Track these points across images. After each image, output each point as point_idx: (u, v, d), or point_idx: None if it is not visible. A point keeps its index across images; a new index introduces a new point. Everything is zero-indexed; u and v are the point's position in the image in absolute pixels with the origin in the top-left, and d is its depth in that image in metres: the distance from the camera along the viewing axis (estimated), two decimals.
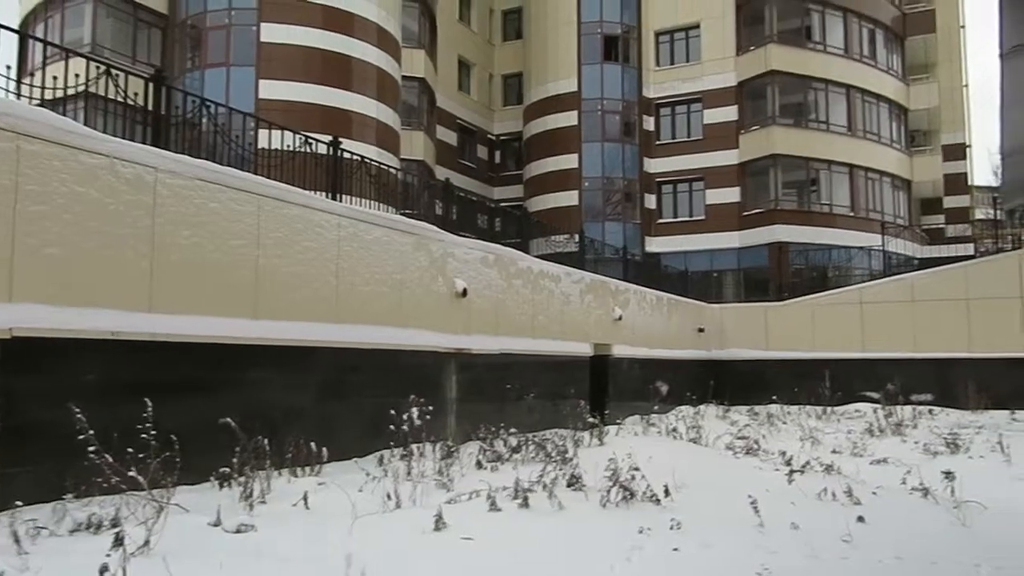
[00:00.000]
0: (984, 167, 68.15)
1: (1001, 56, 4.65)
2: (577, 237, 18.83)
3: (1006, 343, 19.83)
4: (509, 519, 6.73)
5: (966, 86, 37.61)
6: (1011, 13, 4.16)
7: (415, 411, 9.23)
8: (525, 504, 7.12)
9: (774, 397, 19.63)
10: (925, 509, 8.60)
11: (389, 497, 6.99)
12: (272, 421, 8.17)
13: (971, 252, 26.97)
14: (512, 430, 10.63)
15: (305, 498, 6.72)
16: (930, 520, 8.19)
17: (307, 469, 8.14)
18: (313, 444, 8.29)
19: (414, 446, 9.03)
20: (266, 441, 7.48)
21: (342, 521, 6.13)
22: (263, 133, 10.80)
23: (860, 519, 7.73)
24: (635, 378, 17.35)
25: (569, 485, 7.93)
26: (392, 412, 9.17)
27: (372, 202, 12.31)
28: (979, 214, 36.88)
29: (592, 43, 31.84)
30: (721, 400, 19.84)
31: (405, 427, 9.04)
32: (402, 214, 12.82)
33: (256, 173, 9.81)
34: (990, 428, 15.12)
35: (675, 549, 6.26)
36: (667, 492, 7.81)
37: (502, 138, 35.99)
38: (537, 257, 15.57)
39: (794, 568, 6.05)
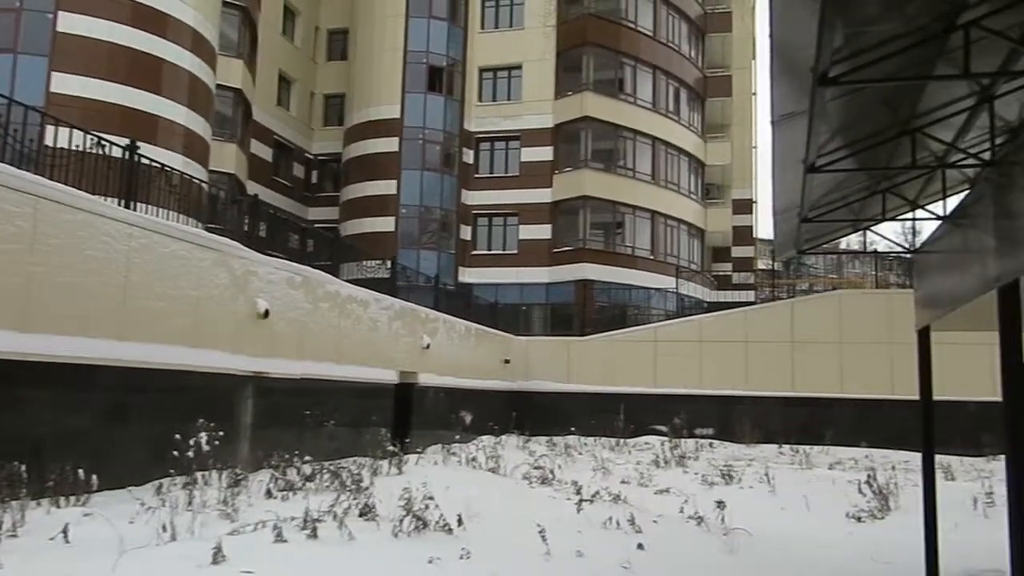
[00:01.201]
0: (767, 222, 74.97)
1: (772, 123, 5.15)
2: (390, 263, 18.72)
3: (778, 383, 21.79)
4: (295, 551, 6.49)
5: (755, 147, 41.48)
6: (780, 83, 4.62)
7: (204, 436, 8.75)
8: (314, 535, 6.90)
9: (572, 428, 20.35)
10: (699, 536, 9.22)
11: (164, 529, 6.54)
12: (37, 445, 7.43)
13: (752, 298, 29.52)
14: (309, 458, 10.31)
15: (65, 531, 6.12)
16: (703, 546, 8.79)
17: (72, 499, 7.44)
18: (82, 471, 7.60)
19: (200, 474, 8.53)
20: (23, 467, 6.78)
21: (106, 556, 5.65)
22: (53, 131, 9.90)
23: (640, 546, 8.16)
24: (440, 407, 17.41)
25: (362, 515, 7.77)
26: (178, 437, 8.62)
27: (173, 213, 11.61)
28: (761, 264, 40.51)
29: (417, 72, 32.04)
30: (523, 431, 20.33)
31: (190, 453, 8.53)
32: (207, 229, 12.19)
33: (39, 173, 8.98)
34: (760, 460, 16.47)
35: None
36: (460, 522, 7.85)
37: (320, 158, 35.24)
38: (348, 282, 15.31)
39: None
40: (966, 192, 6.54)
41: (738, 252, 39.59)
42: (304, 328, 12.52)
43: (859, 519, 10.92)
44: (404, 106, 31.87)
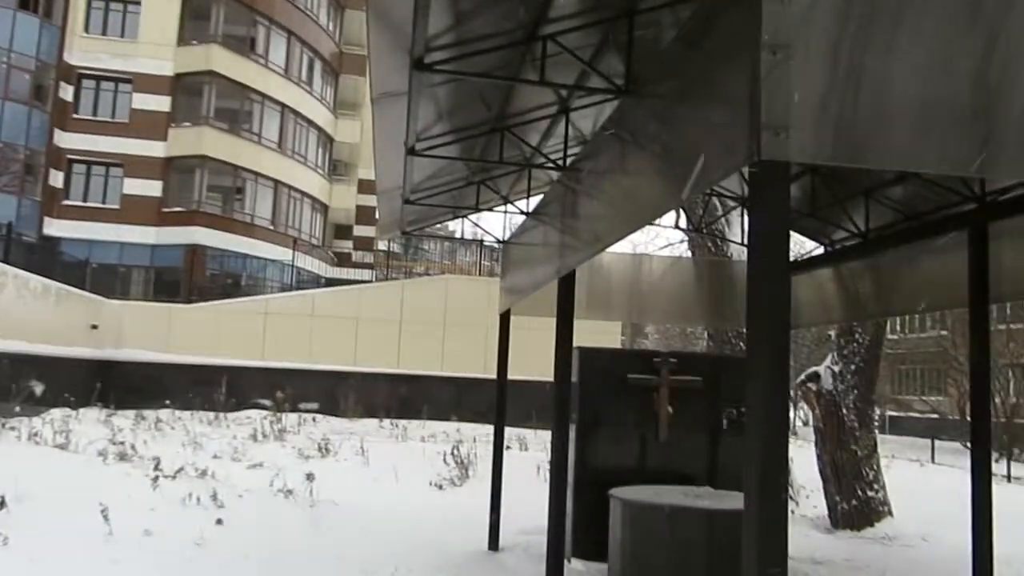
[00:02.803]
0: None
1: (373, 101, 5.21)
2: None
3: (385, 360, 22.54)
4: None
5: None
6: (380, 62, 4.68)
7: None
8: None
9: (168, 402, 18.96)
10: (286, 509, 9.12)
11: None
12: None
13: (371, 278, 30.19)
14: None
15: None
16: (288, 519, 8.72)
17: None
18: None
19: None
20: None
21: None
22: None
23: (219, 522, 7.83)
24: (2, 375, 15.01)
25: None
26: None
27: None
28: (381, 245, 41.66)
29: None
30: (107, 404, 18.37)
31: None
32: None
33: None
34: (360, 434, 16.84)
35: None
36: (2, 504, 6.81)
37: None
38: None
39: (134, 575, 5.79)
40: (546, 191, 7.29)
41: (360, 231, 40.19)
42: None
43: (440, 487, 11.72)
44: None
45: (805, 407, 19.59)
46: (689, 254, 12.26)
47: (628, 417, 7.91)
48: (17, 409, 13.89)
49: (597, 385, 7.88)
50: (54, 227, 28.32)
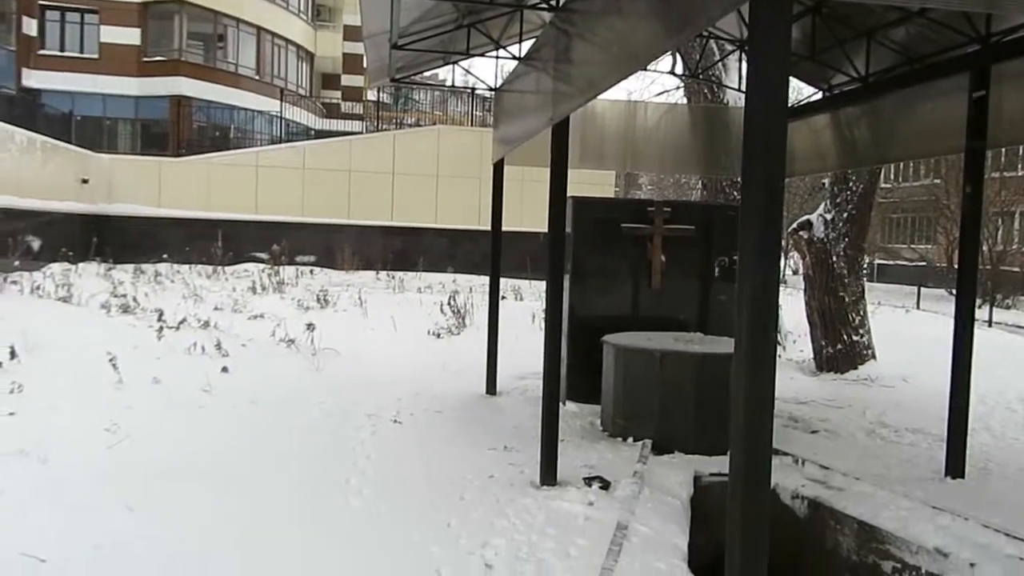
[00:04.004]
0: None
1: None
2: None
3: (379, 213, 22.52)
4: None
5: None
6: None
7: None
8: None
9: (165, 256, 19.10)
10: (288, 357, 9.40)
11: None
12: None
13: (360, 129, 29.59)
14: None
15: None
16: (290, 367, 9.00)
17: None
18: None
19: None
20: None
21: None
22: None
23: (224, 370, 8.09)
24: None
25: None
26: None
27: None
28: (371, 95, 40.56)
29: None
30: (105, 258, 18.48)
31: None
32: None
33: None
34: (358, 286, 17.10)
35: (11, 413, 5.68)
36: (13, 354, 7.00)
37: None
38: None
39: (147, 420, 6.04)
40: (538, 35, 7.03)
41: (348, 81, 39.04)
42: None
43: (438, 336, 12.02)
44: None
45: (796, 256, 19.82)
46: (685, 101, 12.01)
47: (621, 266, 8.03)
48: (16, 264, 13.97)
49: (591, 235, 7.94)
50: (33, 79, 27.43)
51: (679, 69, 10.73)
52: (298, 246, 21.31)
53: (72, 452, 5.10)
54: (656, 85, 58.64)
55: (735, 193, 10.48)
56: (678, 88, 15.63)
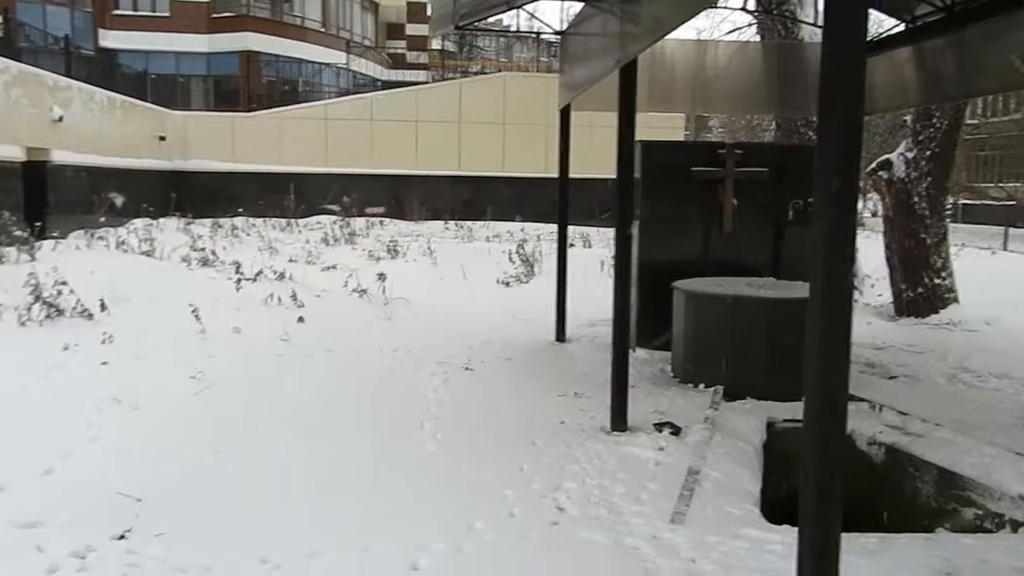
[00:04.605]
0: None
1: None
2: (1, 19, 15.62)
3: (446, 163, 22.58)
4: None
5: None
6: None
7: None
8: None
9: (240, 210, 19.59)
10: (361, 307, 9.60)
11: None
12: None
13: (426, 79, 29.53)
14: None
15: None
16: (363, 316, 9.19)
17: None
18: None
19: None
20: None
21: None
22: None
23: (300, 320, 8.31)
24: (82, 188, 15.60)
25: None
26: None
27: None
28: (436, 44, 40.33)
29: None
30: (183, 213, 19.05)
31: None
32: None
33: None
34: (426, 236, 17.27)
35: (104, 363, 5.97)
36: (103, 306, 7.32)
37: None
38: None
39: (229, 368, 6.28)
40: None
41: (413, 30, 38.83)
42: None
43: (507, 284, 12.09)
44: None
45: (874, 197, 19.12)
46: (757, 38, 11.59)
47: (691, 211, 7.89)
48: (102, 220, 14.54)
49: (660, 179, 7.81)
50: (109, 39, 28.14)
51: (751, 5, 10.35)
52: (367, 197, 21.58)
53: (161, 399, 5.35)
54: (727, 23, 56.63)
55: (810, 133, 10.13)
56: (750, 25, 15.07)
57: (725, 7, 9.24)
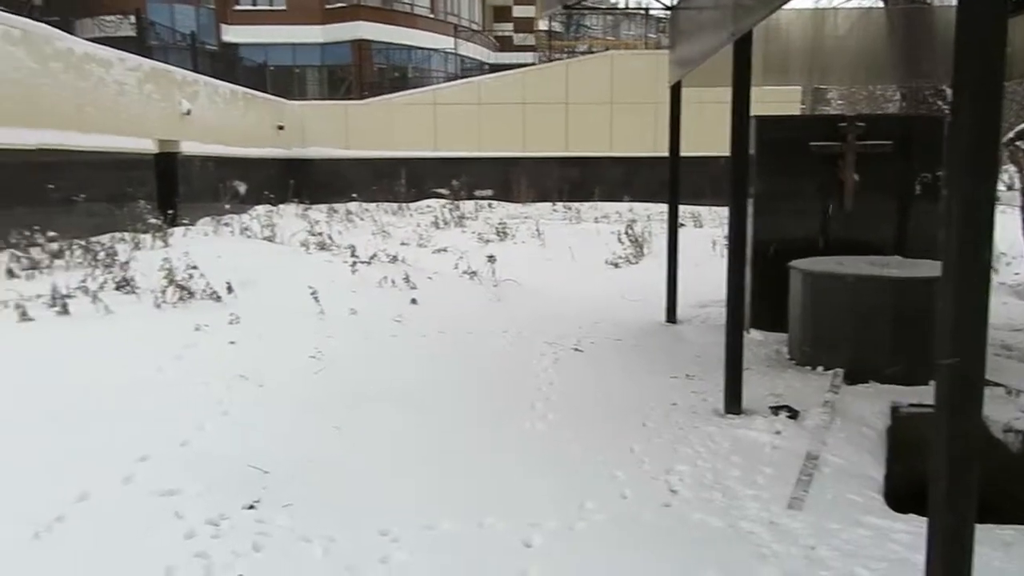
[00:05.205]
0: None
1: None
2: (134, 19, 16.57)
3: (553, 144, 22.54)
4: (44, 329, 6.12)
5: None
6: None
7: None
8: (65, 311, 6.52)
9: (354, 195, 20.21)
10: (471, 288, 9.74)
11: None
12: None
13: (533, 60, 29.50)
14: (56, 236, 9.48)
15: None
16: (474, 298, 9.32)
17: None
18: None
19: None
20: None
21: None
22: None
23: (413, 301, 8.51)
24: (209, 177, 16.45)
25: (119, 288, 7.41)
26: None
27: None
28: (542, 25, 40.20)
29: None
30: (301, 199, 19.84)
31: None
32: None
33: None
34: (534, 218, 17.33)
35: (231, 342, 6.29)
36: (230, 289, 7.71)
37: None
38: (88, 41, 13.46)
39: (346, 348, 6.49)
40: None
41: (519, 12, 38.82)
42: (34, 93, 11.02)
43: (616, 265, 12.00)
44: None
45: (1011, 169, 17.88)
46: (881, 4, 10.99)
47: (809, 187, 7.59)
48: (227, 207, 15.31)
49: (776, 155, 7.54)
50: (230, 33, 29.43)
51: None
52: (476, 180, 21.83)
53: (284, 377, 5.59)
54: None
55: (939, 103, 9.56)
56: None
57: None
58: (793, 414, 5.01)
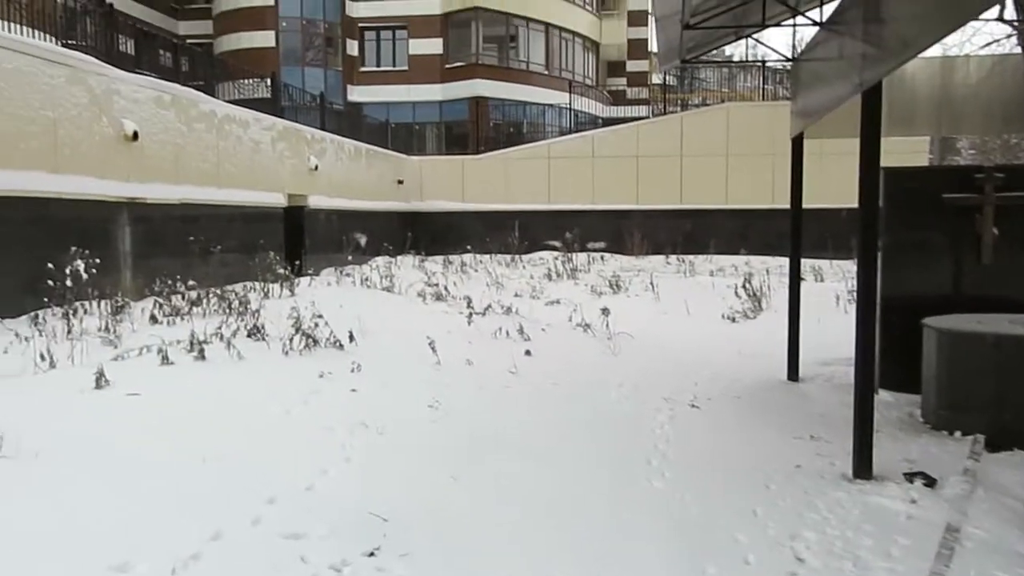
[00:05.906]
0: None
1: None
2: (270, 82, 17.68)
3: (666, 196, 22.40)
4: (182, 373, 6.49)
5: None
6: None
7: (80, 264, 8.40)
8: (201, 356, 6.90)
9: (468, 247, 20.60)
10: (585, 341, 9.71)
11: (43, 358, 6.39)
12: None
13: (646, 114, 29.57)
14: (195, 284, 10.10)
15: None
16: (587, 350, 9.29)
17: None
18: None
19: (79, 304, 8.27)
20: None
21: None
22: None
23: (527, 353, 8.56)
24: (332, 230, 17.20)
25: (251, 335, 7.79)
26: (51, 267, 8.24)
27: (21, 27, 10.54)
28: (656, 79, 40.34)
29: None
30: (418, 251, 20.43)
31: (68, 282, 8.20)
32: (64, 45, 11.14)
33: None
34: (648, 271, 17.20)
35: (353, 390, 6.48)
36: (352, 338, 7.99)
37: None
38: (229, 103, 14.46)
39: (463, 398, 6.58)
40: None
41: (633, 66, 39.21)
42: (180, 151, 11.88)
43: (733, 320, 11.72)
44: None
45: None
46: (1019, 50, 10.49)
47: (942, 241, 7.24)
48: (349, 258, 15.93)
49: (906, 207, 7.24)
50: (356, 93, 30.92)
51: (1009, 14, 9.42)
52: (588, 233, 21.89)
53: (403, 425, 5.71)
54: (979, 36, 51.79)
55: None
56: (1009, 36, 13.70)
57: (979, 19, 8.47)
58: (930, 482, 4.72)
